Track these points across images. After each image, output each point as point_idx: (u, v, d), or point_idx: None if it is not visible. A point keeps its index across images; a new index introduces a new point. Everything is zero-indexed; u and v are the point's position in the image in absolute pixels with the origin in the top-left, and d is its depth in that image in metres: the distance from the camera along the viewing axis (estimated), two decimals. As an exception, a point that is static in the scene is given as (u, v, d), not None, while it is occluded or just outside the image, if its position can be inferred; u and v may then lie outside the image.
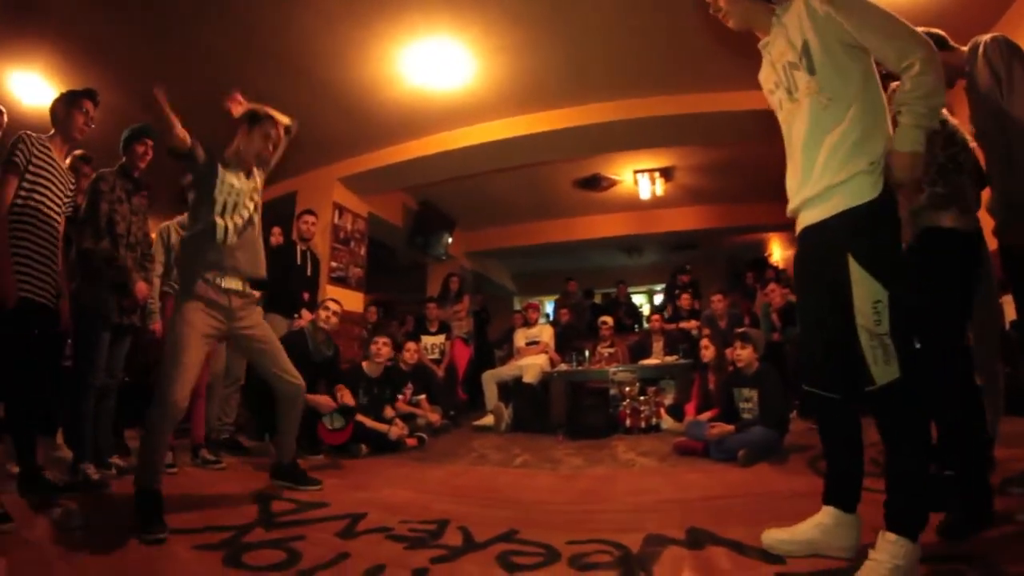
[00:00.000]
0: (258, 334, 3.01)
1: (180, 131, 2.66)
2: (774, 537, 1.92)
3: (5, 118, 3.01)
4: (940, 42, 2.25)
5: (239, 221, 2.84)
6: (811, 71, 1.81)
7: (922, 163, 1.68)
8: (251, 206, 2.93)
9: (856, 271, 1.68)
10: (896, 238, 1.76)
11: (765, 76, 2.06)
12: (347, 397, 4.42)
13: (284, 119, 3.09)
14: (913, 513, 1.62)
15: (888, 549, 1.58)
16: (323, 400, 4.27)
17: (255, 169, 3.02)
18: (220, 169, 2.82)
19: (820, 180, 1.79)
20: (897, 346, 1.65)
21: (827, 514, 1.89)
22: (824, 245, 1.81)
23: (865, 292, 1.67)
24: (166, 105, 2.58)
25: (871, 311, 1.66)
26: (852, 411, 1.89)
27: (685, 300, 7.53)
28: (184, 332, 2.58)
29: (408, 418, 5.00)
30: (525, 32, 4.86)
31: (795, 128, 1.92)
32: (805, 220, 1.90)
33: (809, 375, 1.98)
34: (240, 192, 2.87)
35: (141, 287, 3.34)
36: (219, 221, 2.75)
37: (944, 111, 2.20)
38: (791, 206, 1.95)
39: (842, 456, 1.94)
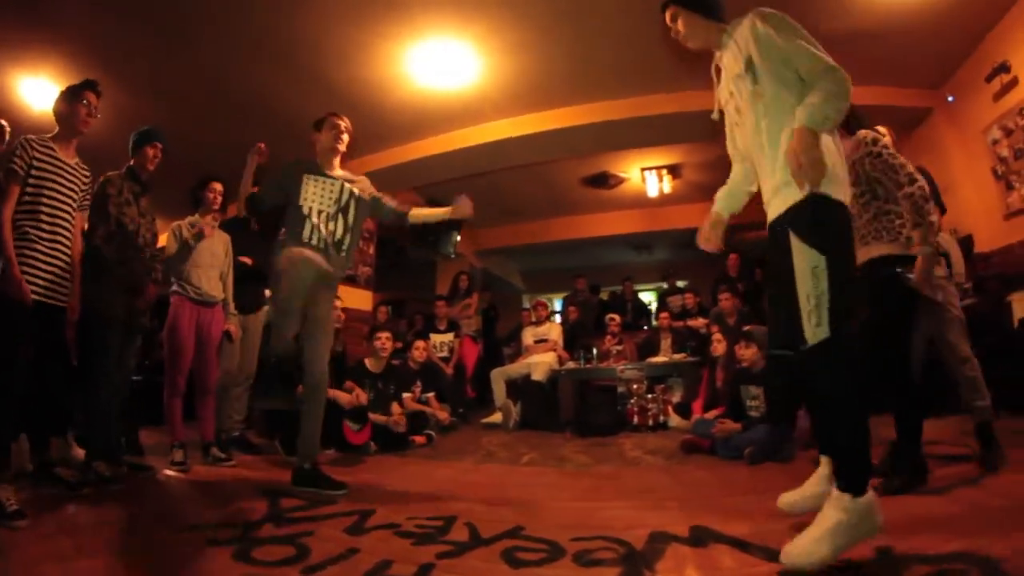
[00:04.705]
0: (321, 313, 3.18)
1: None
2: (787, 500, 2.12)
3: (8, 133, 3.04)
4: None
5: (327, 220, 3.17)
6: (754, 80, 1.99)
7: (816, 145, 1.78)
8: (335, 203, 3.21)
9: (796, 243, 1.85)
10: (838, 222, 1.89)
11: (720, 90, 2.26)
12: (361, 396, 4.48)
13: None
14: (850, 471, 1.77)
15: (834, 503, 1.74)
16: (340, 395, 4.33)
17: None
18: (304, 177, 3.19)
19: (772, 178, 1.99)
20: (831, 309, 1.79)
21: (826, 464, 2.10)
22: (778, 234, 1.95)
23: (804, 260, 1.83)
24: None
25: (810, 275, 1.81)
26: None
27: (690, 298, 7.55)
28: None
29: (417, 416, 5.03)
30: (531, 31, 4.87)
31: (740, 135, 2.18)
32: (769, 216, 2.07)
33: (771, 339, 2.18)
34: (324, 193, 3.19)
35: (151, 289, 3.39)
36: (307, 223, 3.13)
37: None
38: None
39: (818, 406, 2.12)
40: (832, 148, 1.92)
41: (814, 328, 1.80)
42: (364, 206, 3.33)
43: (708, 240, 2.51)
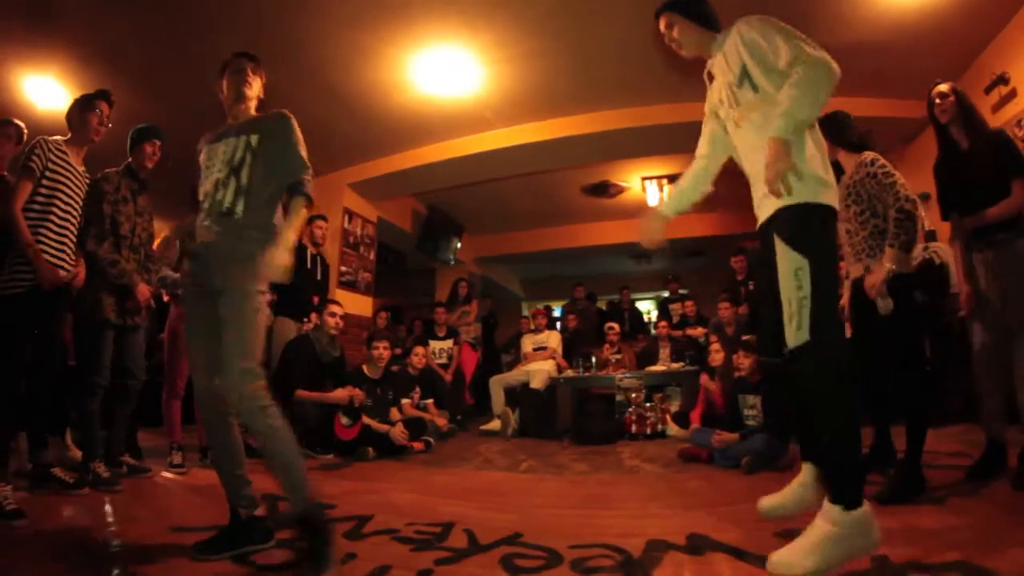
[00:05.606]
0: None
1: None
2: (768, 504, 2.10)
3: (25, 133, 3.07)
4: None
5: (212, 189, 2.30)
6: (755, 89, 2.02)
7: (787, 153, 1.84)
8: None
9: (780, 246, 1.90)
10: (822, 227, 1.92)
11: (710, 95, 2.38)
12: (355, 391, 4.52)
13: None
14: (839, 481, 1.74)
15: (824, 515, 1.73)
16: (336, 394, 4.35)
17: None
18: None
19: (761, 185, 2.02)
20: (813, 312, 1.80)
21: (807, 472, 2.10)
22: (765, 238, 2.02)
23: (787, 262, 1.86)
24: None
25: (792, 278, 1.84)
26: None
27: (690, 307, 7.57)
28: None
29: (415, 422, 5.04)
30: (534, 41, 4.90)
31: (740, 141, 2.19)
32: (759, 219, 2.15)
33: (759, 345, 2.22)
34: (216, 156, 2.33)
35: (143, 289, 3.37)
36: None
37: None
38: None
39: (803, 413, 2.11)
40: (815, 152, 1.96)
41: (795, 331, 1.83)
42: (265, 158, 2.29)
43: (651, 233, 2.56)
